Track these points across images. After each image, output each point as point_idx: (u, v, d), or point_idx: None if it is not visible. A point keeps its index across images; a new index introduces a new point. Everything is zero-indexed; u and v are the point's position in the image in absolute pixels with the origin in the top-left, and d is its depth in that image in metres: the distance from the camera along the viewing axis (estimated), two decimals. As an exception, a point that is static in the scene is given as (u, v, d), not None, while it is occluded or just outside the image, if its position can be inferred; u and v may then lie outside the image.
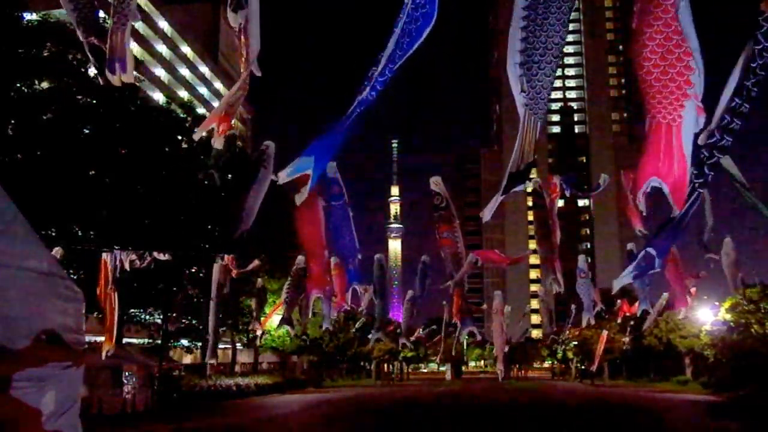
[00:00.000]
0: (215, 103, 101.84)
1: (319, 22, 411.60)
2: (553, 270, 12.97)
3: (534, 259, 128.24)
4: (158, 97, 59.50)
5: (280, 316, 20.02)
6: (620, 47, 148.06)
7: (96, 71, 6.44)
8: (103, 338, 16.32)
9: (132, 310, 33.85)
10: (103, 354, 15.48)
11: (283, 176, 6.54)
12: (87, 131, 26.88)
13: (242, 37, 6.78)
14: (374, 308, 18.03)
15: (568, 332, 43.13)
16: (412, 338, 56.30)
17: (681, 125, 5.77)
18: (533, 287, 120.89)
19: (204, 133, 8.02)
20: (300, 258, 14.49)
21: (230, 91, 6.94)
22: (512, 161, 6.08)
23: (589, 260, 25.00)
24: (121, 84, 6.43)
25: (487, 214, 6.29)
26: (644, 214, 6.37)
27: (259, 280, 22.18)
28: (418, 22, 5.83)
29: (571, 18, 6.52)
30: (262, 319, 28.53)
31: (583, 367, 67.11)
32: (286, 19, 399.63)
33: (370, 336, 23.26)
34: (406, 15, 5.80)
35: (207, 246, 28.99)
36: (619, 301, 28.47)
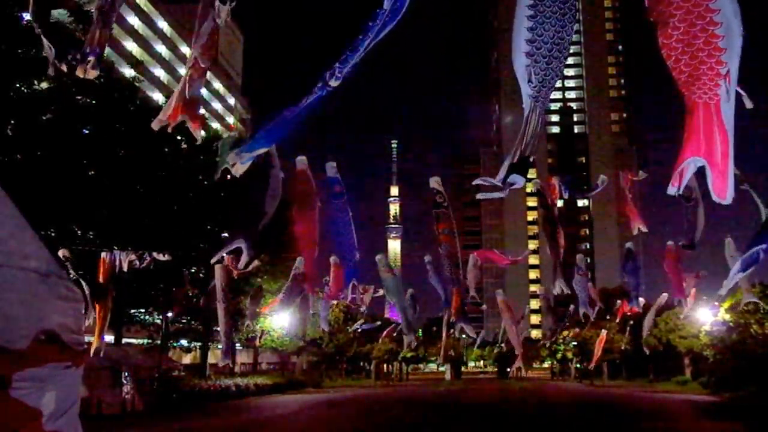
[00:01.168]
0: (215, 104, 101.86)
1: (318, 22, 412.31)
2: (561, 271, 12.91)
3: (534, 259, 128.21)
4: (158, 97, 59.44)
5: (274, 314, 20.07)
6: (620, 47, 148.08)
7: (54, 58, 6.20)
8: (104, 339, 16.34)
9: (132, 310, 33.89)
10: (91, 352, 15.49)
11: (236, 164, 6.74)
12: (87, 131, 26.88)
13: (198, 28, 6.88)
14: (376, 307, 18.01)
15: (566, 332, 43.11)
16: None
17: (719, 103, 5.45)
18: (533, 287, 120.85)
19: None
20: (300, 260, 14.50)
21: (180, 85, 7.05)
22: (513, 151, 5.99)
23: (589, 260, 25.02)
24: (83, 75, 6.26)
25: (478, 180, 6.39)
26: (680, 192, 5.52)
27: (258, 279, 22.21)
28: (386, 19, 5.84)
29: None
30: (260, 318, 28.43)
31: (579, 366, 67.06)
32: (285, 19, 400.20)
33: (404, 338, 22.97)
34: (380, 17, 5.81)
35: (207, 246, 28.99)
36: (619, 301, 28.46)
